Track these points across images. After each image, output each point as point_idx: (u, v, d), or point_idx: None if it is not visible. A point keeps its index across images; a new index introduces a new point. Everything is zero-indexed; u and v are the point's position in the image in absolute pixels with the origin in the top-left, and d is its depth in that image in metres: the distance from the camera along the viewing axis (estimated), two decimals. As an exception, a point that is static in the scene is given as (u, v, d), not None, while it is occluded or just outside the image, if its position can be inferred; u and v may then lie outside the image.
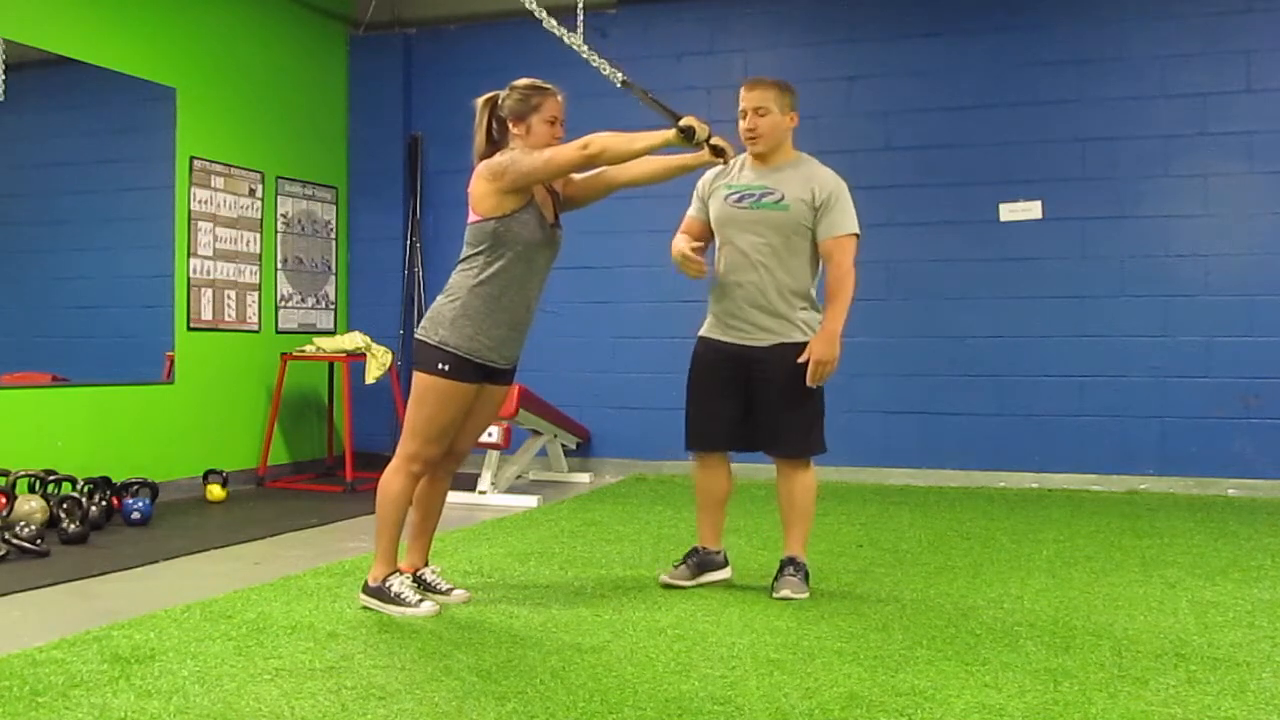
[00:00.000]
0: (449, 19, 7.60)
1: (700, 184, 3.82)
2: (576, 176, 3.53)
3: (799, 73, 6.95)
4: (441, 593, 3.55)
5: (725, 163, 3.55)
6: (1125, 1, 6.42)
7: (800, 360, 3.58)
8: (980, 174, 6.60)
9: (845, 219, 3.66)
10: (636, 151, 3.32)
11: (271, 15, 6.98)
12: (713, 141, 3.42)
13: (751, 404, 3.69)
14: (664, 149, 3.33)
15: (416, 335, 3.47)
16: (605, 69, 3.42)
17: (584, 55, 3.47)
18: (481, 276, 3.38)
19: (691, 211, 3.83)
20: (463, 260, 3.45)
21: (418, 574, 3.58)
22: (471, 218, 3.41)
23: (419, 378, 3.42)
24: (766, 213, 3.62)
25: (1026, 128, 6.52)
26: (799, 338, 3.63)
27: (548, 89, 3.44)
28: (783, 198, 3.63)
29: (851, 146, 6.76)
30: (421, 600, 3.38)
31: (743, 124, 3.67)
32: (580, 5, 5.35)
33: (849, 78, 6.85)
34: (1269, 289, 6.15)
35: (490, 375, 3.47)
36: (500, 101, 3.47)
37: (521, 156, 3.33)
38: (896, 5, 6.79)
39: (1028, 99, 6.53)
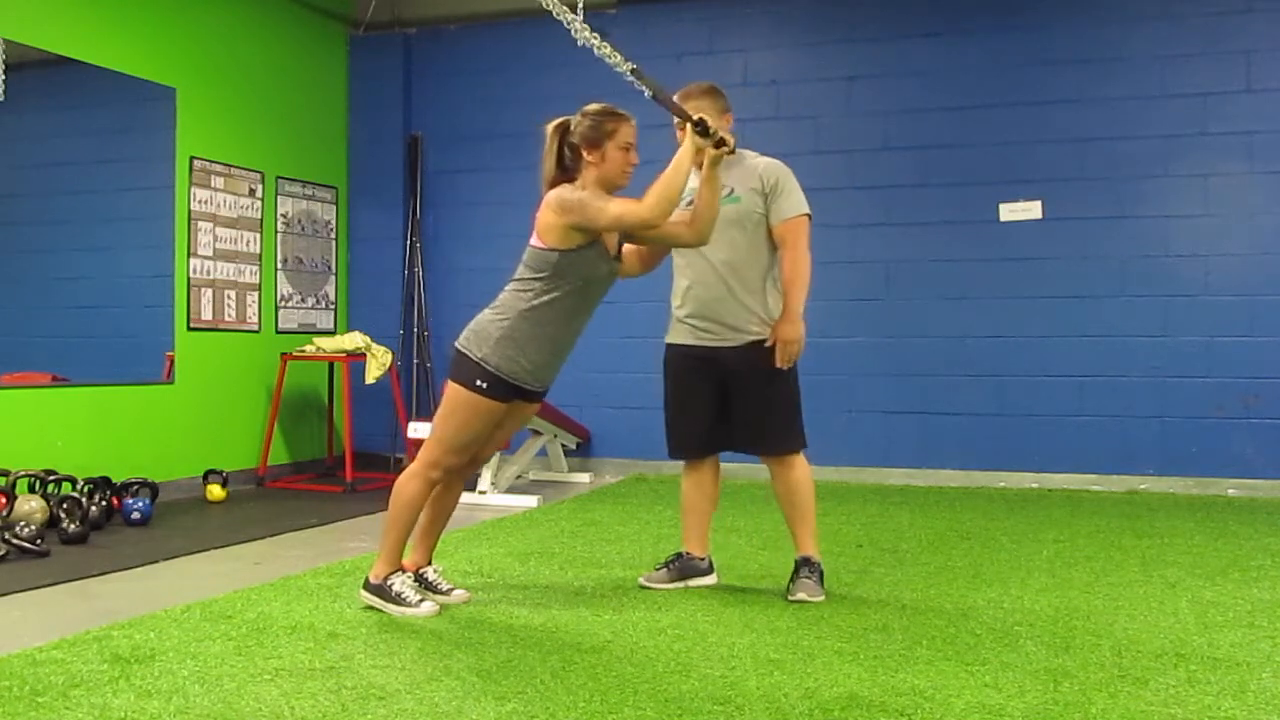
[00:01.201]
0: (449, 19, 7.61)
1: None
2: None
3: (799, 73, 6.98)
4: (442, 593, 3.55)
5: (731, 152, 3.50)
6: (1125, 1, 6.42)
7: (768, 344, 3.60)
8: (980, 174, 6.60)
9: (795, 202, 3.66)
10: (685, 180, 3.24)
11: (271, 15, 6.99)
12: (720, 134, 3.39)
13: (728, 405, 3.69)
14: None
15: (457, 345, 3.39)
16: (614, 61, 3.39)
17: (594, 47, 3.44)
18: (534, 302, 3.33)
19: None
20: (518, 280, 3.37)
21: (419, 572, 3.58)
22: (535, 242, 3.33)
23: (453, 389, 3.37)
24: (720, 208, 3.60)
25: (1026, 128, 6.52)
26: (765, 334, 3.64)
27: (621, 115, 3.36)
28: (733, 191, 3.63)
29: (851, 146, 6.77)
30: (422, 600, 3.38)
31: (681, 135, 3.65)
32: (580, 5, 5.36)
33: (849, 78, 6.85)
34: (1269, 289, 6.15)
35: (523, 394, 3.44)
36: (571, 128, 3.36)
37: (592, 201, 3.24)
38: (896, 5, 6.79)
39: (1028, 99, 6.53)
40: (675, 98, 3.57)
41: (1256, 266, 6.19)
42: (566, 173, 3.38)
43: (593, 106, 3.39)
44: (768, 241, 3.67)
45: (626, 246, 3.67)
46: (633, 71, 3.36)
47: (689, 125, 3.29)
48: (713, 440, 3.76)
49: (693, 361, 3.71)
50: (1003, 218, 6.56)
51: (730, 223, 3.61)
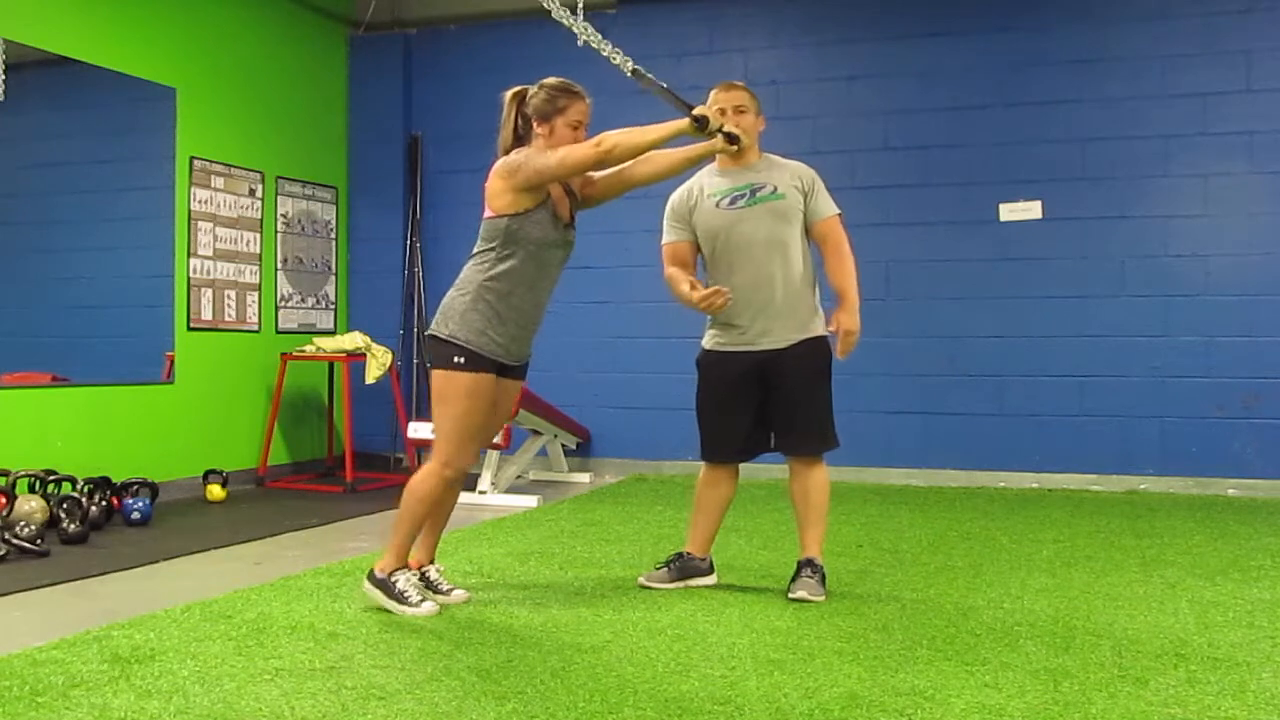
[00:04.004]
0: (449, 19, 7.61)
1: (675, 206, 3.75)
2: (595, 175, 3.50)
3: (799, 73, 6.98)
4: (442, 592, 3.54)
5: (739, 148, 3.52)
6: (1125, 1, 6.42)
7: (829, 331, 3.65)
8: (980, 174, 6.60)
9: (830, 200, 3.73)
10: (649, 143, 3.28)
11: (271, 15, 6.99)
12: (726, 129, 3.40)
13: (767, 406, 3.69)
14: (676, 140, 3.32)
15: (429, 331, 3.43)
16: (616, 59, 3.40)
17: (594, 46, 3.45)
18: (492, 272, 3.36)
19: (676, 237, 3.74)
20: (475, 255, 3.42)
21: (421, 571, 3.57)
22: (486, 213, 3.39)
23: (437, 376, 3.38)
24: (768, 204, 3.62)
25: (1026, 128, 6.52)
26: (812, 332, 3.67)
27: (576, 92, 3.39)
28: (775, 188, 3.64)
29: (851, 146, 6.77)
30: (423, 600, 3.37)
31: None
32: (580, 5, 5.36)
33: (849, 78, 6.85)
34: (1269, 289, 6.15)
35: (502, 370, 3.44)
36: (527, 98, 3.41)
37: (535, 155, 3.31)
38: (896, 5, 6.79)
39: (1028, 99, 6.53)
40: (717, 89, 3.57)
41: (1256, 266, 6.19)
42: (521, 142, 3.42)
43: (550, 80, 3.42)
44: (806, 241, 3.71)
45: (676, 267, 3.67)
46: (633, 71, 3.37)
47: (689, 118, 3.30)
48: (749, 446, 3.75)
49: (734, 367, 3.68)
50: (1003, 218, 6.56)
51: (778, 218, 3.63)
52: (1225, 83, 6.23)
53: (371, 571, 3.44)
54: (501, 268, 3.36)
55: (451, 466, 3.38)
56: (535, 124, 3.38)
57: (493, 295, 3.36)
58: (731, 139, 3.44)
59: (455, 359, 3.33)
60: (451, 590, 3.57)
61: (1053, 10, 6.53)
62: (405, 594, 3.36)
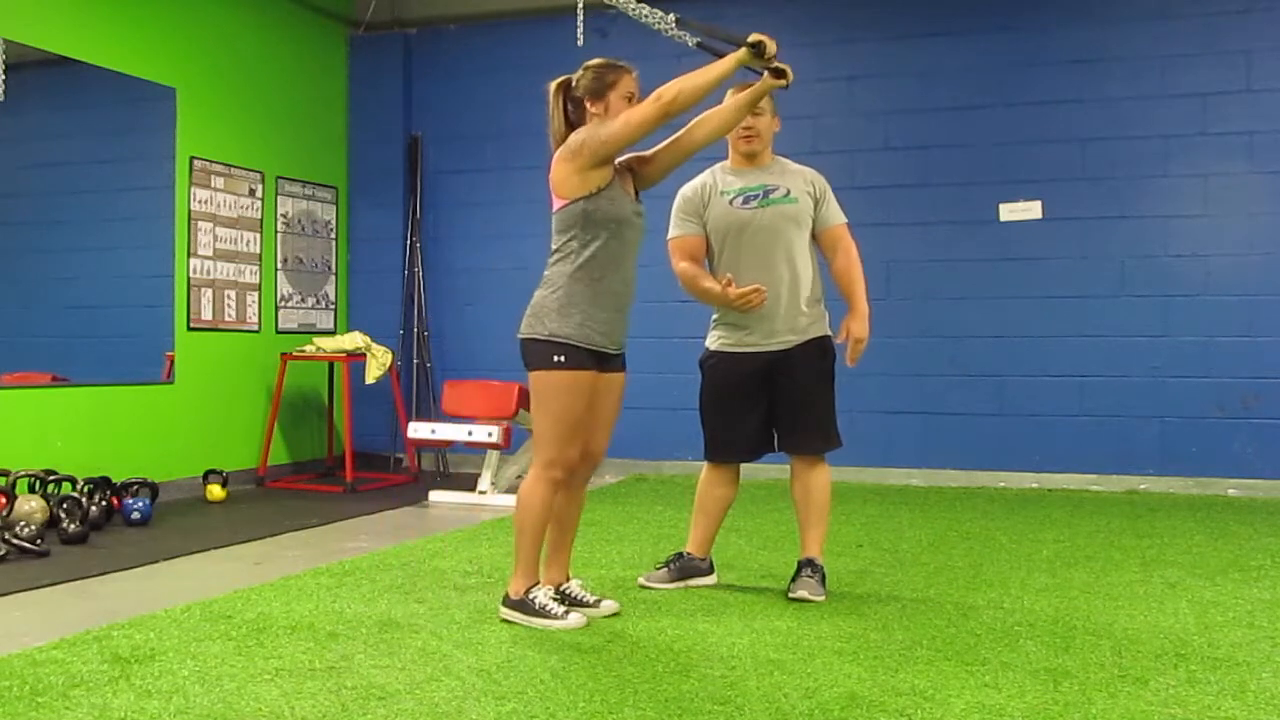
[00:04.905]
0: (449, 19, 7.61)
1: (688, 199, 3.73)
2: (647, 154, 3.43)
3: (799, 73, 6.82)
4: (589, 605, 3.41)
5: (786, 86, 3.40)
6: (1125, 1, 6.42)
7: (840, 340, 3.67)
8: (980, 174, 6.60)
9: (839, 208, 3.76)
10: (710, 84, 3.21)
11: (271, 15, 6.99)
12: (776, 64, 3.31)
13: (773, 406, 3.69)
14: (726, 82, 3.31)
15: (521, 335, 3.30)
16: (655, 17, 3.38)
17: (630, 10, 3.43)
18: (579, 261, 3.26)
19: (685, 231, 3.70)
20: (555, 250, 3.32)
21: (561, 589, 3.44)
22: (556, 204, 3.30)
23: (535, 378, 3.27)
24: (780, 207, 3.64)
25: (1026, 128, 6.52)
26: (817, 333, 3.68)
27: (622, 66, 3.35)
28: (789, 192, 3.66)
29: (851, 146, 6.77)
30: (568, 611, 3.26)
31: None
32: (580, 5, 5.35)
33: (849, 78, 6.85)
34: (1269, 289, 6.15)
35: (602, 361, 3.32)
36: (574, 83, 3.36)
37: (596, 128, 3.23)
38: (896, 5, 6.79)
39: (1028, 99, 6.53)
40: (734, 88, 3.50)
41: (1256, 266, 6.19)
42: (573, 129, 3.35)
43: (594, 61, 3.38)
44: (812, 246, 3.73)
45: (690, 262, 3.63)
46: (677, 21, 3.36)
47: (745, 46, 3.21)
48: (754, 447, 3.75)
49: (742, 369, 3.68)
50: (1003, 218, 6.56)
51: (789, 221, 3.64)
52: (1225, 83, 6.23)
53: (505, 596, 3.33)
54: (587, 253, 3.26)
55: (556, 467, 3.28)
56: (589, 104, 3.31)
57: (584, 284, 3.26)
58: (779, 73, 3.31)
59: (555, 357, 3.23)
60: (599, 601, 3.44)
61: (1053, 10, 6.53)
62: (546, 607, 3.25)
